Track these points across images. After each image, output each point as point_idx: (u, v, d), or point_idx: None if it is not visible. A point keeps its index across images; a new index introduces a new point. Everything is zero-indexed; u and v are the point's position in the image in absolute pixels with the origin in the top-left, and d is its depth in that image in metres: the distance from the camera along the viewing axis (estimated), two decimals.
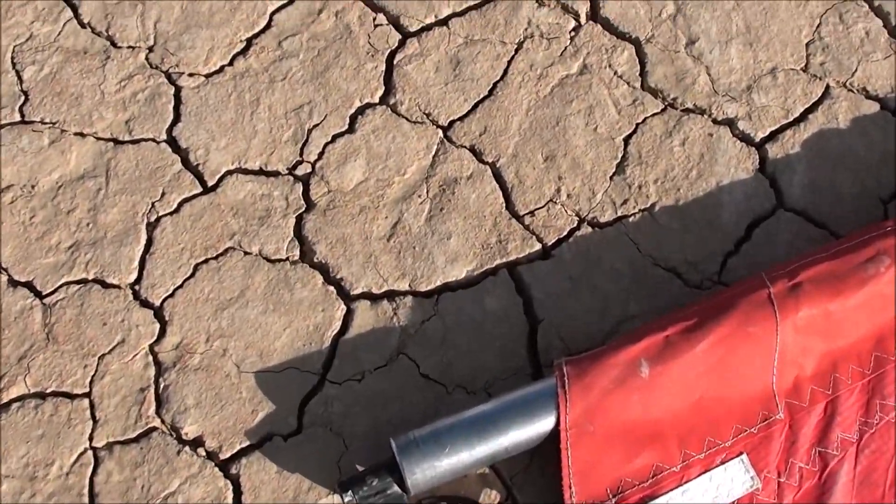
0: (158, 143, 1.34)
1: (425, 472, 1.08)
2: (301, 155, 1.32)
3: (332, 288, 1.24)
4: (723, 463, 1.10)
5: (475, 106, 1.35)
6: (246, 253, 1.26)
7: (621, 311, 1.23)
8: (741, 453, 1.10)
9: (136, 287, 1.25)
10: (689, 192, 1.28)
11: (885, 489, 1.10)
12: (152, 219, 1.28)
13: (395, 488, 1.09)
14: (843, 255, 1.17)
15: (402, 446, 1.08)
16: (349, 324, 1.22)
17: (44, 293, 1.25)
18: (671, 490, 1.09)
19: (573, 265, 1.25)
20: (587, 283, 1.24)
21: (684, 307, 1.17)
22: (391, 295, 1.24)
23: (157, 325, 1.22)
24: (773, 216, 1.28)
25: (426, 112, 1.35)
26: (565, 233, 1.27)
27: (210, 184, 1.31)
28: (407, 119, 1.35)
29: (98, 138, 1.34)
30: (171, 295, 1.24)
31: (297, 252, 1.26)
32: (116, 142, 1.34)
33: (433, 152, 1.32)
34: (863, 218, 1.28)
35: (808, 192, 1.29)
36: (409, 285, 1.24)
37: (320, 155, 1.32)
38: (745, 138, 1.32)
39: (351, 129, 1.34)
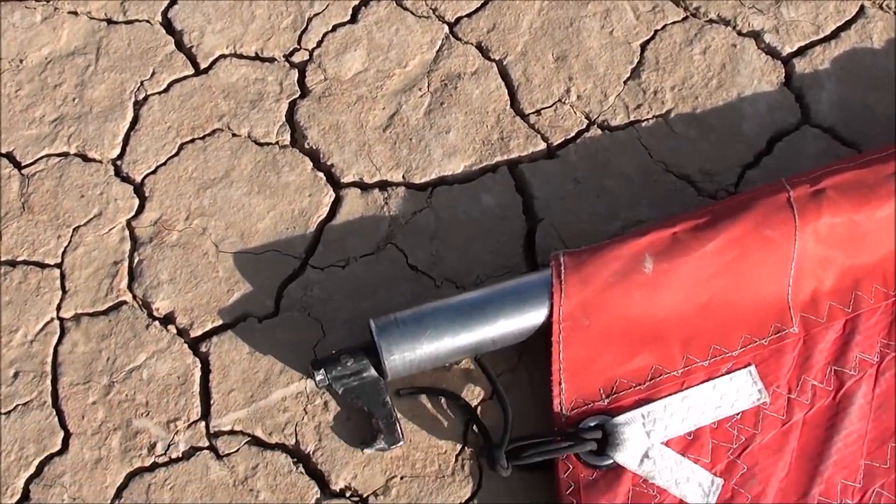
0: (153, 24, 1.29)
1: (404, 354, 1.00)
2: (299, 42, 1.26)
3: (321, 174, 1.17)
4: (728, 373, 1.01)
5: (484, 3, 1.28)
6: (234, 135, 1.19)
7: (629, 215, 1.14)
8: (749, 364, 1.01)
9: (118, 162, 1.18)
10: (707, 101, 1.19)
11: None
12: (140, 97, 1.22)
13: (372, 371, 1.02)
14: (873, 165, 1.07)
15: (381, 326, 1.01)
16: (337, 210, 1.14)
17: (23, 164, 1.19)
18: (670, 395, 1.00)
19: (579, 166, 1.17)
20: (593, 185, 1.16)
21: (696, 209, 1.08)
22: (383, 185, 1.16)
23: (137, 201, 1.16)
24: (797, 131, 1.19)
25: (433, 7, 1.28)
26: (573, 134, 1.18)
27: (203, 66, 1.25)
28: (412, 13, 1.28)
29: (91, 17, 1.30)
30: (154, 172, 1.17)
31: (287, 137, 1.19)
32: (110, 21, 1.29)
33: (437, 47, 1.24)
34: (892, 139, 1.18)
35: (838, 109, 1.20)
36: (403, 176, 1.16)
37: (319, 43, 1.26)
38: (771, 51, 1.23)
39: (353, 20, 1.28)
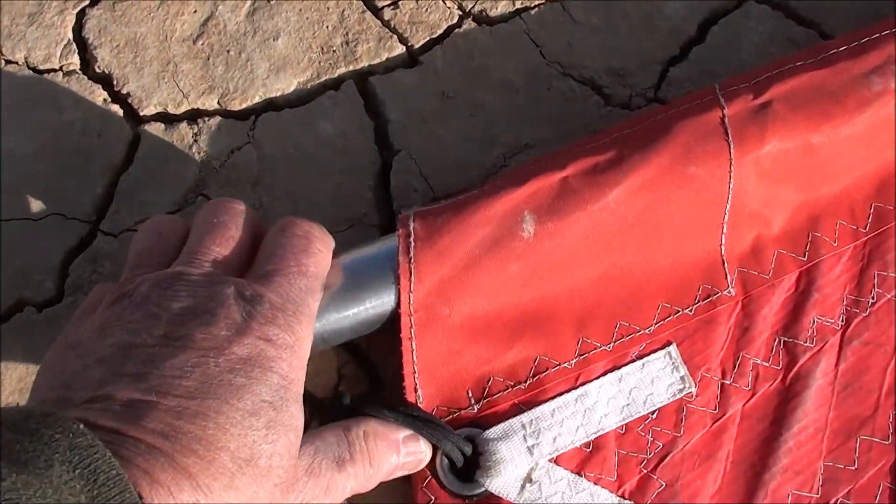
0: None
1: None
2: None
3: (115, 107, 0.88)
4: (640, 357, 0.73)
5: None
6: (8, 62, 0.89)
7: (511, 140, 0.85)
8: (669, 343, 0.73)
9: None
10: None
11: (881, 397, 0.73)
12: None
13: None
14: (836, 63, 0.76)
15: None
16: (134, 154, 0.86)
17: None
18: (560, 395, 0.72)
19: (448, 76, 0.87)
20: (466, 100, 0.87)
21: (595, 135, 0.78)
22: (193, 115, 0.87)
23: None
24: (739, 9, 0.88)
25: None
26: (440, 32, 0.89)
27: None
28: None
29: None
30: None
31: (74, 60, 0.89)
32: None
33: None
34: (867, 17, 0.87)
35: None
36: (218, 102, 0.87)
37: None
38: None
39: None
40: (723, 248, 0.74)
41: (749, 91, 0.75)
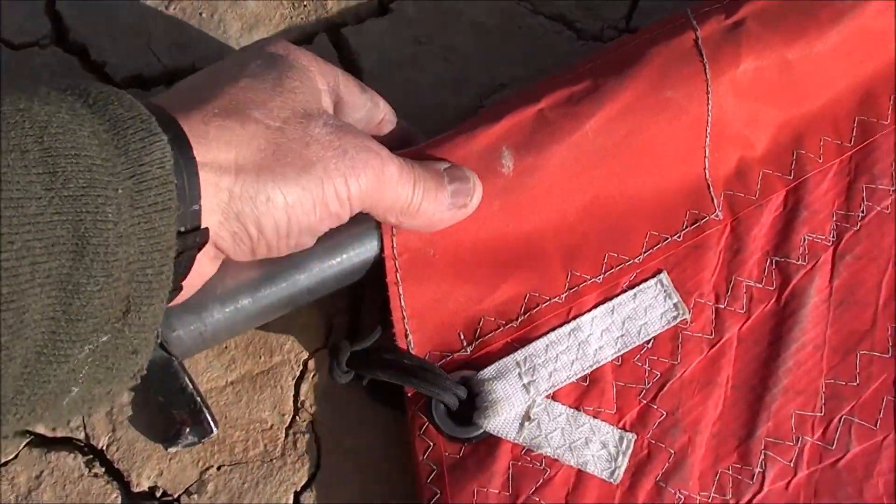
0: None
1: (190, 328, 0.61)
2: None
3: (91, 76, 0.77)
4: (631, 287, 0.64)
5: None
6: None
7: (487, 80, 0.75)
8: (659, 271, 0.64)
9: None
10: None
11: (878, 310, 0.64)
12: None
13: (158, 351, 0.62)
14: None
15: None
16: None
17: None
18: (553, 330, 0.63)
19: (419, 22, 0.78)
20: (439, 44, 0.77)
21: (569, 67, 0.67)
22: (169, 79, 0.77)
23: None
24: None
25: None
26: None
27: None
28: None
29: None
30: None
31: (47, 32, 0.79)
32: None
33: None
34: None
35: None
36: (193, 64, 0.78)
37: None
38: None
39: None
40: (707, 171, 0.65)
41: (721, 12, 0.65)
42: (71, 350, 0.39)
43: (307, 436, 0.70)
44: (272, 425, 0.70)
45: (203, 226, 0.46)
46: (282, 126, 0.49)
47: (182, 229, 0.43)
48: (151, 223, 0.41)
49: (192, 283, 0.50)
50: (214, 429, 0.67)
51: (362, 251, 0.63)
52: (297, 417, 0.70)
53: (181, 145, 0.44)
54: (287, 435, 0.70)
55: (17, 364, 0.37)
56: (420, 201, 0.57)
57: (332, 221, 0.53)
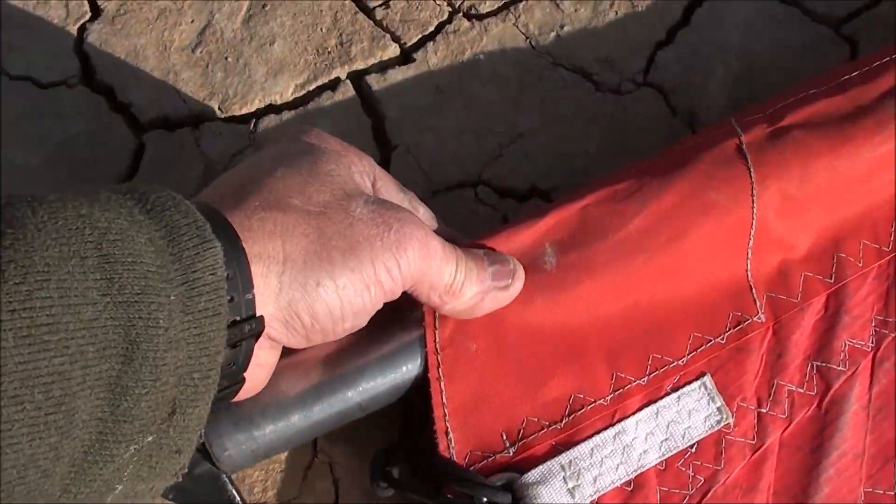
0: None
1: (241, 446, 0.41)
2: None
3: (117, 116, 0.53)
4: (675, 389, 0.41)
5: None
6: (11, 76, 0.54)
7: (507, 128, 0.52)
8: (703, 374, 0.42)
9: None
10: None
11: None
12: None
13: (206, 465, 0.42)
14: (849, 89, 0.45)
15: None
16: (139, 162, 0.53)
17: None
18: (598, 433, 0.40)
19: (441, 71, 0.53)
20: (460, 93, 0.52)
21: (610, 174, 0.45)
22: (194, 121, 0.53)
23: None
24: None
25: None
26: (431, 29, 0.54)
27: None
28: None
29: None
30: None
31: (76, 72, 0.54)
32: None
33: None
34: None
35: None
36: (219, 107, 0.53)
37: None
38: None
39: None
40: (749, 273, 0.42)
41: (764, 121, 0.43)
42: (117, 450, 0.30)
43: (325, 478, 0.48)
44: (290, 466, 0.48)
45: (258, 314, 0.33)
46: (323, 210, 0.35)
47: (237, 318, 0.32)
48: (201, 328, 0.31)
49: (253, 374, 0.37)
50: None
51: (413, 368, 0.41)
52: (316, 459, 0.48)
53: (231, 238, 0.32)
54: (305, 476, 0.47)
55: (64, 464, 0.28)
56: (462, 280, 0.39)
57: (386, 298, 0.37)
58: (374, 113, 0.50)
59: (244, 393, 0.38)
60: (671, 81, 0.49)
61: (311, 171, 0.37)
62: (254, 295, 0.33)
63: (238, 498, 0.42)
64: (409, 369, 0.40)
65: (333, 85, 0.50)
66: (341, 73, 0.51)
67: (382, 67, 0.50)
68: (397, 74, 0.50)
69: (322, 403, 0.41)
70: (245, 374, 0.35)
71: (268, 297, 0.33)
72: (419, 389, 0.41)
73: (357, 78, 0.50)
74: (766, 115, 0.43)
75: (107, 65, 0.51)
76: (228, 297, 0.31)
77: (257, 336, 0.33)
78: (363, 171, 0.39)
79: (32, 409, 0.27)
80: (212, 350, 0.31)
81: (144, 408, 0.30)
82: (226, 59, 0.50)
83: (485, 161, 0.49)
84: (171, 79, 0.50)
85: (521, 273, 0.40)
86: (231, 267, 0.32)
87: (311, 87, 0.51)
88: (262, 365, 0.36)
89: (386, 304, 0.41)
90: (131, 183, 0.33)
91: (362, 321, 0.37)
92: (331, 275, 0.34)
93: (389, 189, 0.40)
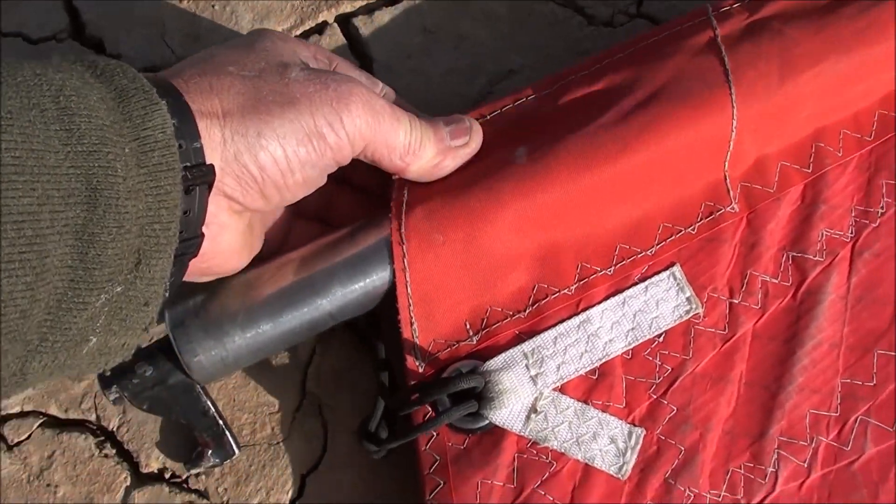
0: None
1: (212, 353, 0.51)
2: None
3: None
4: (643, 279, 0.53)
5: None
6: (4, 34, 0.68)
7: (497, 68, 0.65)
8: (672, 264, 0.53)
9: None
10: None
11: None
12: None
13: (179, 376, 0.54)
14: None
15: (175, 319, 0.52)
16: None
17: None
18: (562, 321, 0.52)
19: (429, 11, 0.66)
20: (449, 33, 0.66)
21: (583, 63, 0.56)
22: None
23: None
24: None
25: None
26: None
27: None
28: None
29: None
30: None
31: (65, 26, 0.69)
32: None
33: None
34: None
35: None
36: None
37: None
38: None
39: None
40: (726, 164, 0.54)
41: (744, 11, 0.55)
42: (89, 298, 0.37)
43: (314, 419, 0.60)
44: (280, 408, 0.60)
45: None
46: (258, 74, 0.45)
47: (187, 164, 0.41)
48: (157, 181, 0.39)
49: (219, 238, 0.47)
50: (236, 450, 0.57)
51: (385, 275, 0.53)
52: (305, 400, 0.61)
53: (174, 95, 0.42)
54: (294, 418, 0.60)
55: (41, 308, 0.36)
56: (420, 137, 0.50)
57: (335, 155, 0.47)
58: (362, 56, 0.65)
59: (217, 263, 0.49)
60: (666, 12, 0.63)
61: (247, 47, 0.47)
62: (202, 144, 0.42)
63: (212, 409, 0.52)
64: (379, 277, 0.53)
65: (321, 28, 0.65)
66: (328, 16, 0.64)
67: (370, 9, 0.65)
68: (384, 16, 0.64)
69: (292, 311, 0.51)
70: (205, 232, 0.44)
71: (214, 150, 0.43)
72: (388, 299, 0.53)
73: (344, 21, 0.66)
74: (744, 3, 0.54)
75: (96, 18, 0.67)
76: (177, 145, 0.40)
77: (210, 185, 0.43)
78: (310, 55, 0.49)
79: (7, 245, 0.33)
80: (170, 203, 0.40)
81: (111, 255, 0.37)
82: (213, 6, 0.65)
83: (475, 100, 0.63)
84: (159, 28, 0.65)
85: (477, 128, 0.52)
86: (176, 118, 0.41)
87: (299, 32, 0.64)
88: (225, 227, 0.46)
89: (359, 209, 0.54)
90: (79, 54, 0.45)
91: (315, 176, 0.47)
92: (269, 125, 0.43)
93: (345, 65, 0.52)
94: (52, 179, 0.35)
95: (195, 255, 0.45)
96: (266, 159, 0.44)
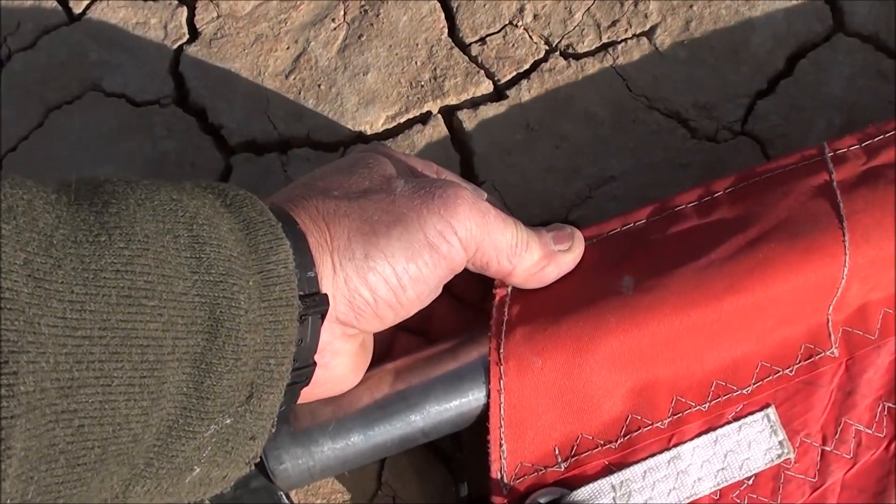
0: None
1: (298, 461, 0.53)
2: None
3: (208, 138, 0.72)
4: (737, 419, 0.53)
5: None
6: (107, 93, 0.73)
7: (596, 171, 0.67)
8: (767, 405, 0.53)
9: None
10: (705, 11, 0.69)
11: None
12: (3, 56, 0.76)
13: (262, 479, 0.54)
14: None
15: None
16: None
17: None
18: (652, 456, 0.53)
19: (533, 109, 0.69)
20: (550, 132, 0.68)
21: (691, 191, 0.58)
22: (282, 146, 0.70)
23: None
24: (827, 43, 0.68)
25: None
26: (527, 66, 0.70)
27: (76, 12, 0.76)
28: None
29: None
30: (14, 149, 0.73)
31: (170, 92, 0.73)
32: None
33: None
34: None
35: (880, 8, 0.68)
36: (308, 134, 0.70)
37: None
38: None
39: None
40: (830, 307, 0.55)
41: (861, 155, 0.56)
42: (199, 427, 0.39)
43: None
44: (353, 497, 0.62)
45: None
46: (363, 194, 0.47)
47: (301, 294, 0.42)
48: (276, 316, 0.41)
49: (332, 364, 0.48)
50: None
51: (481, 395, 0.54)
52: (380, 491, 0.62)
53: (290, 224, 0.44)
54: None
55: (152, 433, 0.37)
56: (526, 237, 0.51)
57: (449, 263, 0.48)
58: (463, 148, 0.67)
59: (328, 388, 0.50)
60: (770, 132, 0.63)
61: (350, 168, 0.49)
62: (316, 273, 0.43)
63: None
64: (476, 398, 0.54)
65: (424, 118, 0.66)
66: (433, 106, 0.66)
67: (474, 103, 0.66)
68: (489, 111, 0.66)
69: (384, 426, 0.52)
70: (318, 360, 0.45)
71: (325, 277, 0.44)
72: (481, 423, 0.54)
73: (448, 113, 0.68)
74: (863, 147, 0.55)
75: (200, 87, 0.69)
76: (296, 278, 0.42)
77: (323, 314, 0.44)
78: (415, 165, 0.52)
79: (130, 368, 0.34)
80: (286, 338, 0.41)
81: (226, 386, 0.38)
82: (318, 86, 0.67)
83: (572, 202, 0.64)
84: (263, 103, 0.67)
85: (579, 236, 0.55)
86: (293, 249, 0.42)
87: (402, 120, 0.67)
88: (338, 353, 0.48)
89: (457, 321, 0.55)
90: (209, 181, 0.46)
91: (428, 291, 0.48)
92: (376, 245, 0.45)
93: (456, 179, 0.54)
94: (178, 306, 0.37)
95: (307, 384, 0.46)
96: (375, 281, 0.45)
